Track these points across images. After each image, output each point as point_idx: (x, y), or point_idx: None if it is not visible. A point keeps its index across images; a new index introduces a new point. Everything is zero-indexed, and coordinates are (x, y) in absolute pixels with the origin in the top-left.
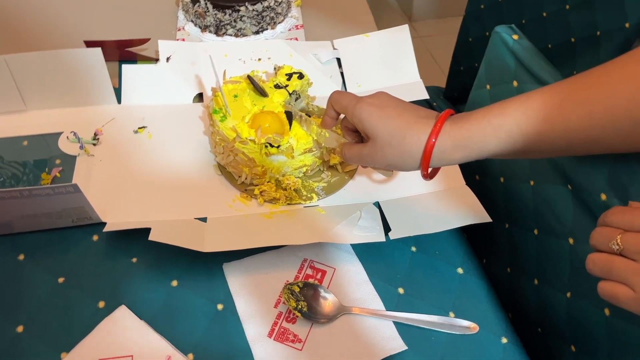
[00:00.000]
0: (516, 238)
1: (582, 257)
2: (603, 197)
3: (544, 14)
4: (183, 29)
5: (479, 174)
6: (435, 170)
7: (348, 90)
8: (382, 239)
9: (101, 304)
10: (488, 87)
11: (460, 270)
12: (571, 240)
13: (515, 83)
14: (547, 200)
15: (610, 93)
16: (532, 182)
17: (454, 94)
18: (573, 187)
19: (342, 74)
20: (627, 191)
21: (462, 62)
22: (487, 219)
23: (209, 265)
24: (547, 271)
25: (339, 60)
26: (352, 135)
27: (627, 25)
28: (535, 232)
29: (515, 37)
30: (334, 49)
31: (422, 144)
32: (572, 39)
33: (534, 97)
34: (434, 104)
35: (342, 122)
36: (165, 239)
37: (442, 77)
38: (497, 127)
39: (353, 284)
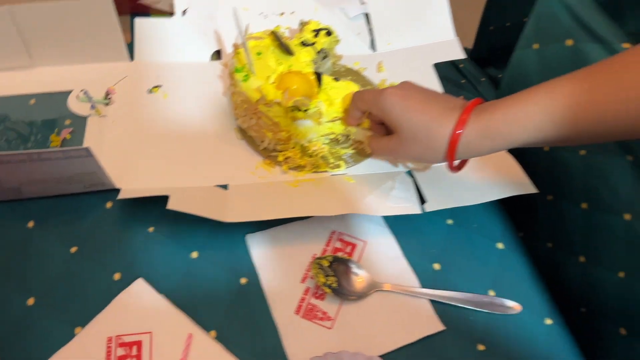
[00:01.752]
0: (561, 211)
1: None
2: None
3: None
4: None
5: None
6: (463, 162)
7: (378, 47)
8: (418, 210)
9: (117, 276)
10: (536, 46)
11: (500, 245)
12: (627, 216)
13: (569, 42)
14: (600, 171)
15: None
16: (582, 152)
17: (481, 56)
18: (635, 157)
19: (370, 30)
20: None
21: (492, 21)
22: (532, 189)
23: (231, 236)
24: (597, 248)
25: (366, 15)
26: (379, 128)
27: None
28: (584, 206)
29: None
30: (362, 3)
31: (447, 136)
32: None
33: (563, 83)
34: (460, 65)
35: (370, 115)
36: (185, 208)
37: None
38: (525, 117)
39: (385, 258)
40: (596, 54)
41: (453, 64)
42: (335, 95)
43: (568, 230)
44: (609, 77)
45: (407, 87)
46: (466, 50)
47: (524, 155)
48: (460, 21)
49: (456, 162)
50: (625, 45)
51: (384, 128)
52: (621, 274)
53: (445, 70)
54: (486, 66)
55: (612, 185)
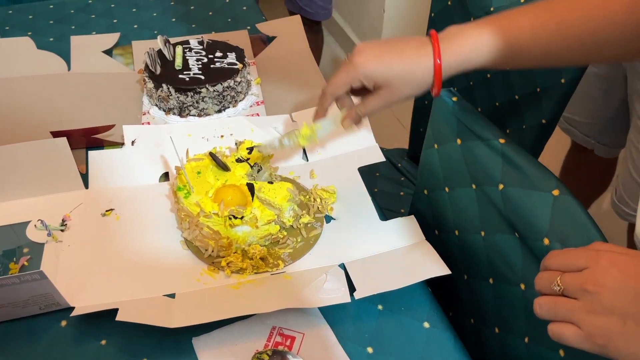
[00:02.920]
0: (475, 288)
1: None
2: (546, 241)
3: (488, 76)
4: (148, 112)
5: (437, 229)
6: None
7: (310, 158)
8: (348, 299)
9: None
10: (436, 146)
11: (426, 324)
12: (522, 286)
13: (459, 141)
14: (497, 249)
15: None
16: (482, 233)
17: (417, 154)
18: (520, 235)
19: None
20: (567, 235)
21: (421, 123)
22: (446, 271)
23: (178, 340)
24: (506, 318)
25: None
26: (360, 94)
27: (562, 81)
28: (491, 280)
29: (454, 99)
30: (293, 121)
31: (430, 68)
32: (517, 97)
33: (512, 13)
34: (399, 164)
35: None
36: (133, 318)
37: (406, 134)
38: (480, 45)
39: (323, 347)
40: (479, 149)
41: (393, 164)
42: (273, 196)
43: (483, 304)
44: (550, 6)
45: (370, 48)
46: (404, 150)
47: (440, 241)
48: (405, 125)
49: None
50: (502, 140)
51: (363, 92)
52: (526, 339)
53: (386, 170)
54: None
55: (508, 260)
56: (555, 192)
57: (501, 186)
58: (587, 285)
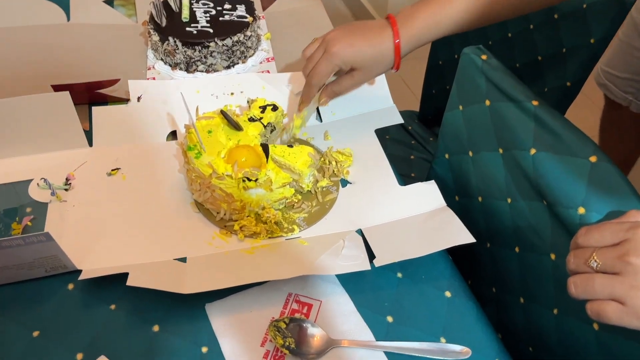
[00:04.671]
0: (498, 257)
1: (565, 273)
2: (581, 210)
3: (509, 35)
4: (153, 67)
5: (458, 195)
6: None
7: (323, 119)
8: (367, 267)
9: (79, 356)
10: (461, 107)
11: (448, 294)
12: (553, 256)
13: (487, 102)
14: (525, 217)
15: None
16: (509, 200)
17: (428, 117)
18: (548, 202)
19: None
20: (604, 204)
21: (433, 85)
22: (470, 239)
23: (191, 306)
24: (532, 288)
25: None
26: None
27: (592, 41)
28: (517, 249)
29: (484, 57)
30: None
31: (391, 48)
32: (539, 57)
33: None
34: (409, 127)
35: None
36: (144, 283)
37: (414, 100)
38: (428, 24)
39: (341, 315)
40: (510, 111)
41: (403, 127)
42: (293, 160)
43: (507, 273)
44: None
45: (342, 36)
46: (415, 113)
47: (461, 207)
48: (411, 87)
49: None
50: (535, 102)
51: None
52: (555, 311)
53: (397, 133)
54: (433, 126)
55: (536, 229)
56: (593, 159)
57: (533, 151)
58: (628, 257)
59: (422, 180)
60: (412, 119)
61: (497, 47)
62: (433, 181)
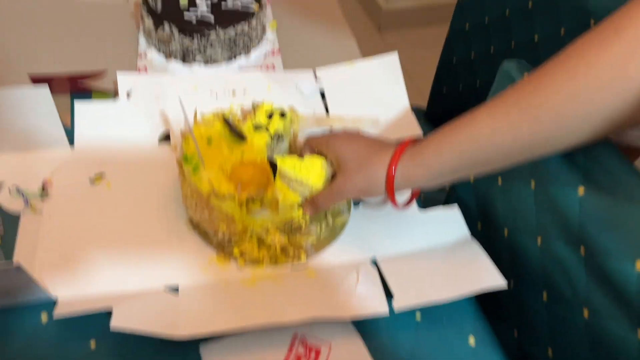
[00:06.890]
0: (523, 300)
1: (601, 334)
2: (639, 265)
3: (536, 37)
4: (145, 55)
5: (481, 222)
6: (412, 198)
7: (333, 125)
8: (385, 311)
9: None
10: None
11: (471, 340)
12: (586, 313)
13: None
14: (557, 261)
15: (553, 93)
16: (539, 239)
17: (436, 116)
18: (586, 249)
19: (326, 107)
20: None
21: (444, 83)
22: (501, 283)
23: (184, 348)
24: (563, 342)
25: (322, 93)
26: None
27: None
28: (545, 296)
29: (526, 74)
30: (317, 77)
31: (384, 169)
32: (563, 30)
33: (481, 117)
34: None
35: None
36: (131, 324)
37: (417, 95)
38: (452, 154)
39: None
40: None
41: None
42: (306, 174)
43: (532, 319)
44: (521, 100)
45: (354, 132)
46: (420, 110)
47: (484, 237)
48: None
49: (402, 200)
50: None
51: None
52: None
53: None
54: (442, 125)
55: (568, 275)
56: None
57: (581, 190)
58: None
59: (432, 192)
60: (419, 117)
61: (521, 49)
62: (456, 205)
